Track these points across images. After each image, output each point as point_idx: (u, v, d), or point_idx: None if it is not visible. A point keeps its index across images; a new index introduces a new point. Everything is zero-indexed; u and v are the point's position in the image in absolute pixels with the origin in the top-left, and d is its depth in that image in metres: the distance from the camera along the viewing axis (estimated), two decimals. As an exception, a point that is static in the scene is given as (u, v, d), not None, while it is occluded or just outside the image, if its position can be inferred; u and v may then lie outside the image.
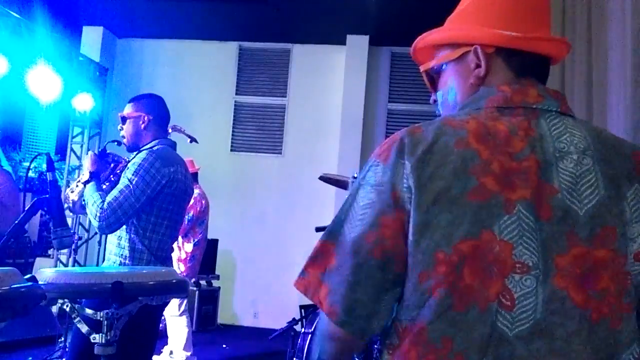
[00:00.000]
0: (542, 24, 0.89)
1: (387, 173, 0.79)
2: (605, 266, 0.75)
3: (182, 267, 4.27)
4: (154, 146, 2.29)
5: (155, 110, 2.37)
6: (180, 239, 4.24)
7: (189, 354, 4.16)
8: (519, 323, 0.73)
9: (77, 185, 2.40)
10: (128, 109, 2.37)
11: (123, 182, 2.14)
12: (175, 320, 4.14)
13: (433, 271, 0.75)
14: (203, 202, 4.43)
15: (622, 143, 0.84)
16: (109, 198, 2.11)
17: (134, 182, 2.11)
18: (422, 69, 0.98)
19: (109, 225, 2.09)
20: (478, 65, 0.88)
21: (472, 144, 0.78)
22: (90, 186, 2.20)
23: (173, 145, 2.41)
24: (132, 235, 2.15)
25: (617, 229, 0.76)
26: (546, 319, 0.73)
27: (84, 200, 2.25)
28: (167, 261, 2.29)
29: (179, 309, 4.12)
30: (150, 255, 2.16)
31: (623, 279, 0.76)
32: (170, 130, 2.51)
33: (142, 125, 2.33)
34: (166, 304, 2.30)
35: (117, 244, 2.20)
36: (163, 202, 2.20)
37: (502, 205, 0.75)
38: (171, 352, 4.21)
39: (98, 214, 2.09)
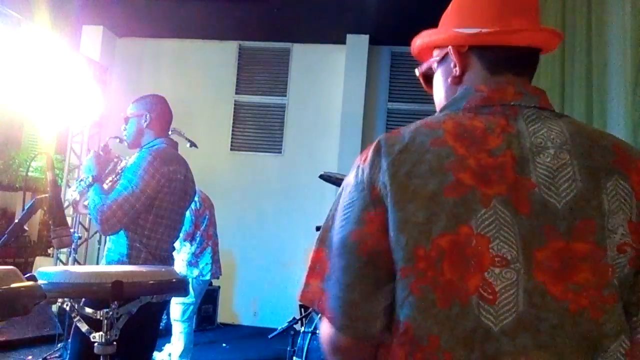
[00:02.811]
0: (522, 12, 0.88)
1: (366, 172, 0.81)
2: (585, 259, 0.75)
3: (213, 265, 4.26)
4: (154, 145, 2.30)
5: (158, 110, 2.37)
6: (199, 238, 4.20)
7: None
8: (503, 317, 0.73)
9: (78, 184, 2.40)
10: (130, 109, 2.38)
11: (122, 183, 2.14)
12: (178, 325, 4.13)
13: (413, 267, 0.76)
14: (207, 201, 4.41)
15: (603, 136, 0.84)
16: (109, 200, 2.11)
17: (133, 183, 2.12)
18: (417, 72, 1.02)
19: (110, 227, 2.10)
20: (455, 64, 0.90)
21: (448, 142, 0.79)
22: (93, 189, 2.20)
23: (174, 145, 2.41)
24: (131, 234, 2.16)
25: (595, 221, 0.75)
26: (529, 313, 0.73)
27: (86, 201, 2.26)
28: (167, 260, 2.29)
29: (183, 315, 4.09)
30: (148, 254, 2.17)
31: (604, 271, 0.75)
32: (170, 133, 2.51)
33: (145, 124, 2.33)
34: (167, 302, 2.30)
35: (115, 242, 2.20)
36: (162, 202, 2.20)
37: (479, 200, 0.75)
38: (170, 355, 4.20)
39: (99, 217, 2.09)
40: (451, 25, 0.92)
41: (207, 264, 4.22)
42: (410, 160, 0.78)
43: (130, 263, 2.14)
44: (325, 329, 0.82)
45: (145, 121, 2.33)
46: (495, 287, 0.73)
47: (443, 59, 0.94)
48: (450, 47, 0.90)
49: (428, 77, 1.00)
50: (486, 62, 0.88)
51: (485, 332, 0.73)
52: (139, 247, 2.16)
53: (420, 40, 0.98)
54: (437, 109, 0.98)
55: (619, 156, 0.80)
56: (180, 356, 4.09)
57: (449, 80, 0.91)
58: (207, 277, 4.23)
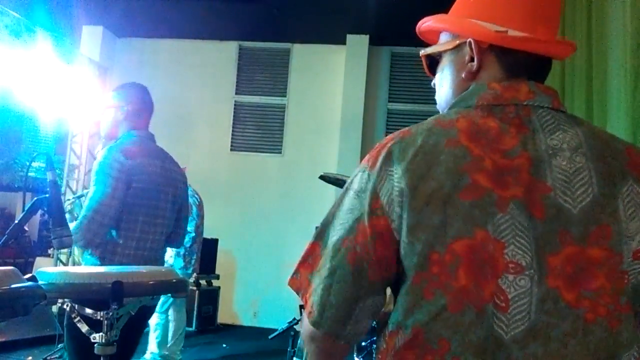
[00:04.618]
0: (547, 21, 0.86)
1: (371, 181, 0.79)
2: (600, 265, 0.73)
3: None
4: (122, 139, 2.17)
5: (135, 101, 2.24)
6: (194, 234, 4.36)
7: (165, 352, 4.15)
8: (514, 325, 0.71)
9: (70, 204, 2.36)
10: (110, 99, 2.27)
11: (93, 188, 2.04)
12: (155, 316, 4.09)
13: (427, 272, 0.74)
14: None
15: (615, 139, 0.82)
16: (83, 210, 2.02)
17: (103, 184, 2.01)
18: (421, 53, 0.97)
19: (96, 234, 1.99)
20: (472, 59, 0.86)
21: (462, 142, 0.77)
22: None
23: (150, 137, 2.28)
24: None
25: (611, 227, 0.74)
26: (540, 320, 0.71)
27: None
28: (155, 261, 2.18)
29: (162, 307, 4.10)
30: (122, 257, 2.06)
31: (619, 278, 0.74)
32: None
33: (121, 116, 2.21)
34: (156, 304, 2.27)
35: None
36: (135, 198, 2.07)
37: (496, 204, 0.73)
38: (152, 354, 4.22)
39: (81, 229, 1.97)
40: (470, 14, 0.87)
41: (192, 258, 4.41)
42: (425, 163, 0.76)
43: (109, 264, 2.04)
44: (305, 319, 0.85)
45: (122, 113, 2.21)
46: (508, 294, 0.72)
47: (455, 49, 0.90)
48: (471, 40, 0.86)
49: (431, 60, 0.96)
50: (505, 64, 0.85)
51: (497, 341, 0.71)
52: (115, 245, 2.04)
53: (434, 24, 0.93)
54: (438, 99, 0.95)
55: (632, 160, 0.79)
56: (158, 346, 4.11)
57: (463, 74, 0.87)
58: (190, 271, 4.41)
